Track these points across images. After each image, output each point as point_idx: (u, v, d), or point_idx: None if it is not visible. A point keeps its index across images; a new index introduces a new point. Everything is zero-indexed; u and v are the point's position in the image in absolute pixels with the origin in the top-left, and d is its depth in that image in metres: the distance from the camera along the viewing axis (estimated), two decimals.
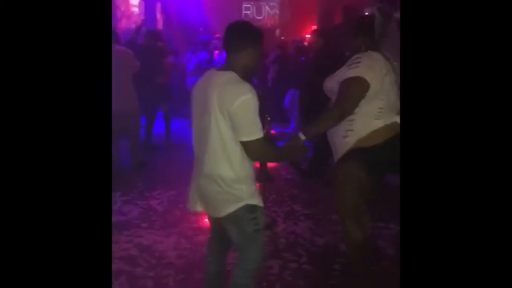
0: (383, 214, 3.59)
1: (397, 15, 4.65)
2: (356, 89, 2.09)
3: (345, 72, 2.13)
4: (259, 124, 1.71)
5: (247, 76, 1.80)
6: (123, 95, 4.18)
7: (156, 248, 2.99)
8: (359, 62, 2.10)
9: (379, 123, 2.15)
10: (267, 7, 13.07)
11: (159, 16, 9.85)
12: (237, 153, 1.76)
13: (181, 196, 4.02)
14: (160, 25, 9.84)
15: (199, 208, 1.98)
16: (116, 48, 4.15)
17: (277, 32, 12.58)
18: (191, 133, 1.97)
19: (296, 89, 6.00)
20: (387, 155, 2.12)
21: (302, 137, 2.04)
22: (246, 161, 1.80)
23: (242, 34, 1.80)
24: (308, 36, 6.07)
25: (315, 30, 5.38)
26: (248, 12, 12.95)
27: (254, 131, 1.70)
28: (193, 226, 3.35)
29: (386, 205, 3.77)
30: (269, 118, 3.21)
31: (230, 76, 1.74)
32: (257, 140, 1.71)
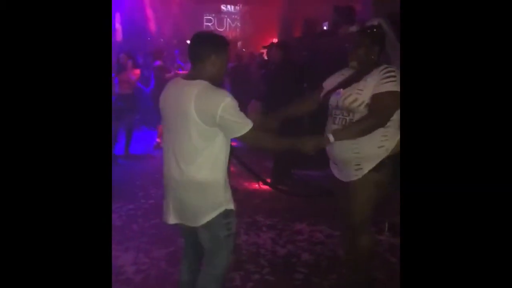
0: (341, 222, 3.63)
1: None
2: (394, 104, 2.05)
3: (382, 85, 2.10)
4: (245, 117, 1.81)
5: (214, 83, 1.84)
6: None
7: (113, 264, 2.87)
8: (395, 76, 2.09)
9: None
10: (228, 20, 13.16)
11: (118, 26, 9.67)
12: (212, 158, 1.82)
13: (139, 210, 3.92)
14: (119, 36, 9.66)
15: (173, 221, 1.99)
16: None
17: (239, 44, 12.66)
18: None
19: (257, 100, 6.04)
20: None
21: (332, 139, 2.10)
22: (221, 165, 1.86)
23: (205, 43, 1.86)
24: (264, 48, 6.15)
25: (272, 44, 5.45)
26: (210, 24, 12.99)
27: (244, 125, 1.80)
28: (151, 240, 3.26)
29: None
30: None
31: (203, 85, 1.79)
32: (250, 130, 1.80)
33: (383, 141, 2.15)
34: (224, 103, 1.73)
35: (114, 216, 3.73)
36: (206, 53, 1.82)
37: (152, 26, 10.32)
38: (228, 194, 1.90)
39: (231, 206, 1.90)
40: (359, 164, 2.20)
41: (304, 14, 7.51)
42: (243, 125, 1.80)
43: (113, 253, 3.00)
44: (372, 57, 2.20)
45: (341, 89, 2.25)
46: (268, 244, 3.25)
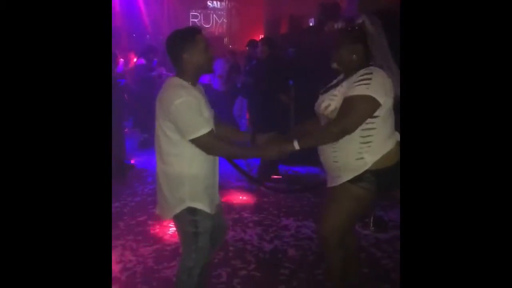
0: None
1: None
2: (362, 108, 1.89)
3: (352, 89, 1.90)
4: (201, 122, 1.80)
5: (195, 77, 1.91)
6: None
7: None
8: (370, 79, 1.87)
9: (391, 144, 1.99)
10: (214, 16, 13.10)
11: None
12: (184, 154, 1.85)
13: (125, 207, 3.89)
14: None
15: (157, 211, 2.07)
16: None
17: (225, 40, 12.62)
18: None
19: (244, 97, 6.05)
20: (396, 176, 1.94)
21: (297, 146, 1.93)
22: (196, 162, 1.87)
23: (171, 41, 1.89)
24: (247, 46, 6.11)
25: (259, 40, 5.43)
26: (196, 20, 12.91)
27: (197, 129, 1.79)
28: (137, 238, 3.24)
29: None
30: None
31: (171, 81, 1.89)
32: (203, 136, 1.79)
33: (362, 153, 1.96)
34: (178, 101, 1.74)
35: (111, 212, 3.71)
36: (174, 51, 1.87)
37: (138, 23, 10.22)
38: (195, 191, 1.89)
39: (197, 205, 1.89)
40: (338, 173, 2.05)
41: (290, 10, 7.51)
42: (195, 129, 1.78)
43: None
44: (354, 57, 1.98)
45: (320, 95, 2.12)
46: (254, 240, 3.26)
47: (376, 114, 1.92)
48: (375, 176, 1.96)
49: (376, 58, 1.95)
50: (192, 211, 1.90)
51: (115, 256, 2.94)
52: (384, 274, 2.77)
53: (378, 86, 1.87)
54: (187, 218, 1.91)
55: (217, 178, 2.05)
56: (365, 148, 1.96)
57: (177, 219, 1.95)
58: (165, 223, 3.51)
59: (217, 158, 1.99)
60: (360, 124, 1.92)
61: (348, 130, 1.92)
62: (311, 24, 7.43)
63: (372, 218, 3.50)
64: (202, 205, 1.91)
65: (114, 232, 3.33)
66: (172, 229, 3.41)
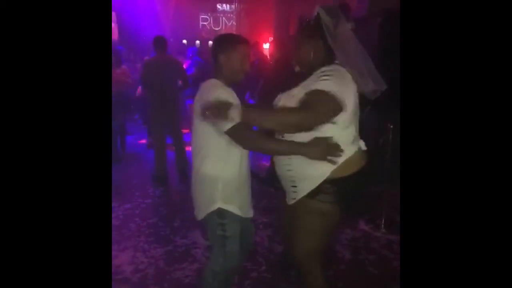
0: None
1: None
2: (322, 103, 1.66)
3: (311, 85, 1.71)
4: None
5: (230, 82, 1.92)
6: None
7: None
8: (329, 75, 1.69)
9: (352, 150, 1.80)
10: (224, 18, 13.13)
11: (114, 26, 9.65)
12: (216, 154, 1.86)
13: (137, 209, 3.92)
14: (115, 35, 9.64)
15: (195, 211, 2.03)
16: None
17: None
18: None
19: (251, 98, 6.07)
20: (359, 185, 1.84)
21: (236, 116, 1.63)
22: (226, 163, 1.87)
23: (214, 44, 1.96)
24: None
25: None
26: (206, 23, 12.97)
27: (224, 124, 1.72)
28: (149, 240, 3.26)
29: None
30: None
31: (207, 82, 1.90)
32: (233, 126, 1.71)
33: (319, 161, 1.74)
34: (214, 96, 1.73)
35: (111, 215, 3.74)
36: (215, 54, 1.92)
37: (148, 25, 10.30)
38: (227, 193, 1.88)
39: (228, 206, 1.87)
40: (294, 185, 1.84)
41: (299, 12, 7.51)
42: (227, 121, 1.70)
43: (114, 253, 3.01)
44: (312, 55, 1.78)
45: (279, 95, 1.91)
46: (265, 241, 3.26)
47: (335, 120, 1.71)
48: (335, 186, 1.76)
49: (337, 54, 1.76)
50: (221, 213, 1.88)
51: (126, 257, 2.97)
52: (396, 276, 2.75)
53: (338, 85, 1.67)
54: (216, 221, 1.89)
55: (249, 181, 2.03)
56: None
57: (207, 221, 1.93)
58: (175, 225, 3.53)
59: (248, 162, 1.93)
60: (318, 121, 1.70)
61: (303, 124, 1.70)
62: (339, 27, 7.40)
63: (383, 220, 3.48)
64: (232, 207, 1.89)
65: (126, 234, 3.36)
66: (183, 230, 3.43)
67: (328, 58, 1.77)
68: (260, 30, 11.22)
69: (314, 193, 1.78)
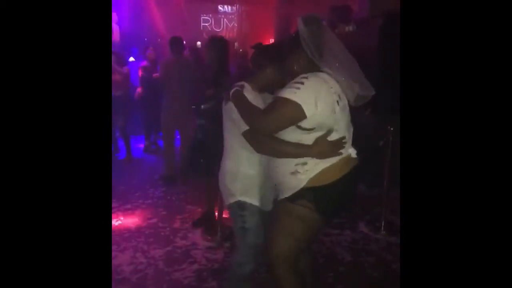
0: (338, 220, 3.64)
1: (348, 27, 4.80)
2: (282, 112, 1.70)
3: (282, 91, 1.74)
4: (255, 120, 1.79)
5: (262, 89, 1.98)
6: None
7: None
8: (302, 84, 1.69)
9: (333, 158, 1.77)
10: (225, 20, 13.13)
11: (115, 26, 9.66)
12: (233, 150, 1.96)
13: (137, 209, 3.92)
14: (116, 36, 9.65)
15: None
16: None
17: (236, 44, 12.65)
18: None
19: None
20: (343, 193, 1.81)
21: (227, 101, 1.92)
22: (240, 158, 1.95)
23: (260, 54, 2.00)
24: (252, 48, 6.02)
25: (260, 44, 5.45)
26: (207, 24, 12.96)
27: (243, 125, 1.83)
28: (148, 240, 3.26)
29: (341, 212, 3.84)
30: None
31: (237, 83, 1.96)
32: (247, 130, 1.82)
33: (299, 167, 1.76)
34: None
35: (111, 215, 3.75)
36: (261, 61, 1.97)
37: (149, 26, 10.31)
38: (246, 187, 1.96)
39: (247, 199, 1.96)
40: (278, 185, 1.88)
41: (300, 13, 7.51)
42: (243, 125, 1.83)
43: (113, 253, 3.01)
44: (296, 67, 1.79)
45: None
46: None
47: (308, 126, 1.71)
48: (313, 194, 1.75)
49: (320, 63, 1.74)
50: (241, 205, 1.98)
51: (126, 257, 2.97)
52: (395, 279, 2.74)
53: (309, 94, 1.67)
54: (237, 213, 1.99)
55: (274, 176, 1.91)
56: (300, 163, 1.76)
57: (229, 211, 2.07)
58: (175, 226, 3.53)
59: (273, 159, 1.87)
60: (277, 128, 1.74)
61: (261, 129, 1.77)
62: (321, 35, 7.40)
63: (383, 222, 3.48)
64: (251, 200, 1.96)
65: (126, 234, 3.36)
66: (182, 231, 3.43)
67: (313, 67, 1.76)
68: (262, 32, 11.23)
69: (294, 197, 1.79)
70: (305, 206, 1.77)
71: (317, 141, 1.73)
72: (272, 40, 9.60)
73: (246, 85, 1.93)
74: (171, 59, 4.73)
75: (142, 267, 2.85)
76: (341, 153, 1.76)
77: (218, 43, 3.57)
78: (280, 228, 1.86)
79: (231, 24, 13.15)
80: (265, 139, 1.79)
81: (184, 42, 5.16)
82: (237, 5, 12.93)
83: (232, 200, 2.00)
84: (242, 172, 1.96)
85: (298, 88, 1.67)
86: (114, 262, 2.88)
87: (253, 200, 1.97)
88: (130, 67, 6.20)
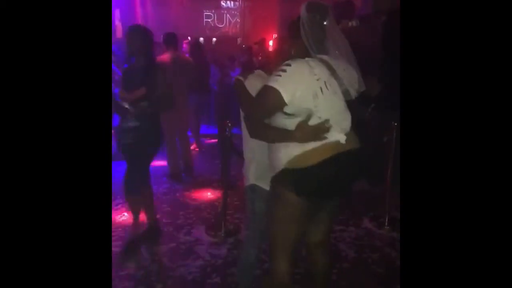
0: (342, 217, 3.65)
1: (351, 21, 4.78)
2: (262, 99, 1.76)
3: (269, 77, 1.78)
4: (250, 108, 1.88)
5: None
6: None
7: (114, 260, 2.89)
8: (284, 71, 1.72)
9: (315, 143, 1.76)
10: (228, 15, 13.10)
11: (117, 23, 9.66)
12: (248, 138, 1.98)
13: None
14: (119, 33, 9.64)
15: None
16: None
17: (239, 39, 12.63)
18: None
19: None
20: (324, 177, 1.79)
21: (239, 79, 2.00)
22: (258, 147, 1.98)
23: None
24: (256, 44, 6.03)
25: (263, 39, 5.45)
26: (210, 20, 12.94)
27: (242, 111, 1.94)
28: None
29: (345, 208, 3.84)
30: (229, 124, 3.31)
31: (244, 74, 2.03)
32: (244, 118, 1.94)
33: (281, 148, 1.80)
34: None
35: (114, 212, 3.76)
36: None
37: (152, 22, 10.30)
38: (258, 172, 2.04)
39: (259, 182, 2.04)
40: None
41: None
42: (242, 111, 1.93)
43: (114, 249, 3.02)
44: (293, 52, 1.84)
45: None
46: None
47: (289, 111, 1.74)
48: (292, 175, 1.78)
49: (311, 49, 1.77)
50: (253, 188, 2.07)
51: (130, 254, 2.98)
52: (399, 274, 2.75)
53: (289, 81, 1.70)
54: (250, 195, 2.10)
55: (268, 160, 1.97)
56: (282, 146, 1.79)
57: (245, 195, 2.16)
58: (179, 222, 3.54)
59: (268, 144, 1.91)
60: (263, 114, 1.82)
61: (250, 116, 1.89)
62: (325, 23, 7.38)
63: (386, 218, 3.48)
64: (262, 184, 2.02)
65: (130, 230, 3.37)
66: (186, 227, 3.44)
67: (309, 53, 1.79)
68: (264, 27, 11.21)
69: (277, 178, 1.85)
70: (285, 187, 1.79)
71: (299, 125, 1.76)
72: (275, 36, 9.57)
73: (261, 72, 1.99)
74: (168, 56, 4.60)
75: (145, 263, 2.87)
76: (325, 138, 1.76)
77: (138, 33, 2.99)
78: (270, 212, 1.91)
79: (234, 20, 13.12)
80: (256, 125, 1.88)
81: (189, 38, 5.11)
82: (240, 1, 12.89)
83: (246, 184, 2.11)
84: (256, 158, 2.05)
85: (280, 76, 1.71)
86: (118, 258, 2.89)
87: (264, 184, 2.01)
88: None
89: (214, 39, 12.22)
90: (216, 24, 12.76)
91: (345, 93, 1.82)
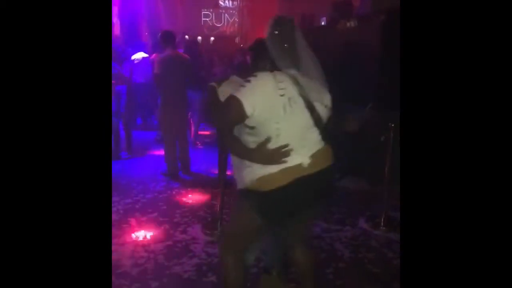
0: (338, 216, 3.65)
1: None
2: (226, 108, 1.74)
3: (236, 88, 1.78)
4: (216, 115, 1.86)
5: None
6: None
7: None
8: (248, 82, 1.72)
9: (276, 166, 1.73)
10: (226, 15, 13.11)
11: (115, 21, 9.64)
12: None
13: (137, 204, 3.92)
14: (117, 30, 9.63)
15: None
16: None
17: (237, 39, 12.63)
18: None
19: None
20: (287, 202, 1.76)
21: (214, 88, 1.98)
22: (238, 149, 1.92)
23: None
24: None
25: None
26: (208, 19, 12.95)
27: (211, 118, 1.97)
28: (150, 234, 3.27)
29: (341, 208, 3.85)
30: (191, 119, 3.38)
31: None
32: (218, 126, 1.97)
33: (245, 168, 1.81)
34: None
35: (112, 210, 3.75)
36: None
37: (150, 21, 10.29)
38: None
39: (244, 187, 1.87)
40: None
41: (302, 9, 7.50)
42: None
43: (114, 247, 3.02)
44: (261, 64, 1.83)
45: None
46: None
47: (250, 124, 1.72)
48: (253, 197, 1.78)
49: (276, 62, 1.75)
50: (240, 191, 1.96)
51: (126, 251, 2.97)
52: (395, 275, 2.75)
53: (251, 92, 1.69)
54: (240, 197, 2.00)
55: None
56: (246, 166, 1.79)
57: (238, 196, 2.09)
58: (175, 220, 3.54)
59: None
60: (225, 124, 1.79)
61: (216, 124, 1.99)
62: (323, 23, 7.41)
63: (383, 218, 3.48)
64: (247, 186, 1.93)
65: (126, 228, 3.36)
66: (182, 226, 3.43)
67: (273, 66, 1.76)
68: (262, 27, 11.20)
69: (241, 192, 1.87)
70: (248, 204, 1.81)
71: (259, 147, 1.74)
72: None
73: (236, 79, 1.92)
74: (167, 55, 4.58)
75: (142, 261, 2.86)
76: (284, 162, 1.72)
77: None
78: (232, 210, 2.00)
79: (232, 19, 13.12)
80: (224, 134, 1.84)
81: (187, 36, 5.11)
82: (238, 0, 12.89)
83: (238, 187, 2.02)
84: (243, 164, 1.97)
85: (244, 86, 1.71)
86: (114, 256, 2.88)
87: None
88: (133, 63, 6.21)
89: (212, 38, 12.21)
90: (214, 23, 12.76)
91: (311, 109, 1.75)
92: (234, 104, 1.69)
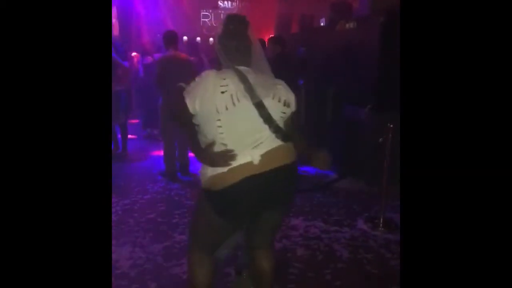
0: (337, 217, 3.65)
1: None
2: (178, 105, 1.77)
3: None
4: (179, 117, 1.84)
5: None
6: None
7: None
8: (194, 81, 1.76)
9: (223, 168, 1.71)
10: (225, 15, 13.10)
11: (114, 21, 9.63)
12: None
13: (135, 204, 3.92)
14: (116, 31, 9.62)
15: None
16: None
17: None
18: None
19: None
20: (240, 200, 1.73)
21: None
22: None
23: None
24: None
25: (269, 38, 5.44)
26: (207, 19, 12.93)
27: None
28: (148, 235, 3.27)
29: (340, 209, 3.85)
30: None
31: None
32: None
33: (201, 168, 1.82)
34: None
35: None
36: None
37: (149, 21, 10.29)
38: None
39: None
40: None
41: (301, 10, 7.50)
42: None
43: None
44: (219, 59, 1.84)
45: None
46: None
47: (196, 122, 1.76)
48: (208, 196, 1.79)
49: (223, 61, 1.77)
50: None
51: (125, 252, 2.97)
52: (393, 275, 2.75)
53: (193, 90, 1.71)
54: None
55: None
56: (202, 166, 1.81)
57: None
58: (174, 221, 3.54)
59: None
60: (178, 119, 1.87)
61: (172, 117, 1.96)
62: (322, 24, 7.42)
63: (381, 219, 3.49)
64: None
65: (124, 229, 3.36)
66: (181, 226, 3.43)
67: (225, 64, 1.77)
68: (262, 28, 11.21)
69: (202, 190, 1.84)
70: (204, 206, 1.82)
71: (206, 149, 1.75)
72: (271, 36, 9.57)
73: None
74: (168, 55, 4.57)
75: (140, 262, 2.86)
76: (230, 164, 1.70)
77: None
78: (195, 208, 1.97)
79: None
80: (186, 129, 1.86)
81: (185, 37, 5.10)
82: (237, 1, 12.90)
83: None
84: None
85: (191, 83, 1.75)
86: (113, 256, 2.88)
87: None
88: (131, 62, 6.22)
89: (211, 39, 12.21)
90: (213, 23, 12.75)
91: (260, 106, 1.69)
92: (181, 100, 1.73)
